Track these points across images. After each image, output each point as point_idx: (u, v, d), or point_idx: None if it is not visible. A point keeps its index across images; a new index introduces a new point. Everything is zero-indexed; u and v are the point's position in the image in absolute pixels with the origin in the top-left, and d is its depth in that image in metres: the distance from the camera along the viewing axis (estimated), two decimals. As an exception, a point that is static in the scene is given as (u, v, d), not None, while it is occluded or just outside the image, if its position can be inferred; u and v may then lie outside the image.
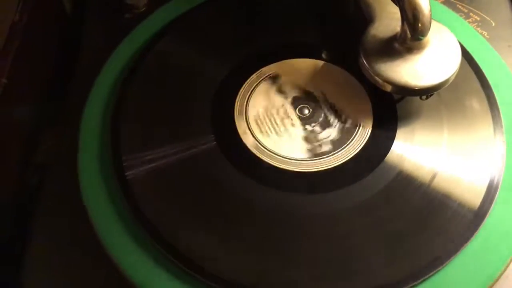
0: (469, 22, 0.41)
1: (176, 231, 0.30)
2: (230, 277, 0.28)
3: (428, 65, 0.32)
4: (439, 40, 0.33)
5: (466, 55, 0.36)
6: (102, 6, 0.42)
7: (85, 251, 0.31)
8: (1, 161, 0.35)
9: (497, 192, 0.31)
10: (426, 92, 0.32)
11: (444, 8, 0.41)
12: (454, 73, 0.32)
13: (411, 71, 0.32)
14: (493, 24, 0.41)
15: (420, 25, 0.31)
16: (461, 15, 0.41)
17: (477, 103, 0.34)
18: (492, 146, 0.33)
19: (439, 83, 0.32)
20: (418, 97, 0.33)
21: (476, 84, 0.35)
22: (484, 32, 0.41)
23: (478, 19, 0.42)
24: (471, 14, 0.42)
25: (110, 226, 0.31)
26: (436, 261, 0.28)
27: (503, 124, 0.34)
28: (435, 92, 0.32)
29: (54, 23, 0.44)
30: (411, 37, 0.31)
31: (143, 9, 0.40)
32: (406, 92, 0.32)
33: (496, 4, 0.42)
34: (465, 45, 0.36)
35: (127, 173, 0.32)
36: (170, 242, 0.29)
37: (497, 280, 0.29)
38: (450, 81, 0.32)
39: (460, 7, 0.42)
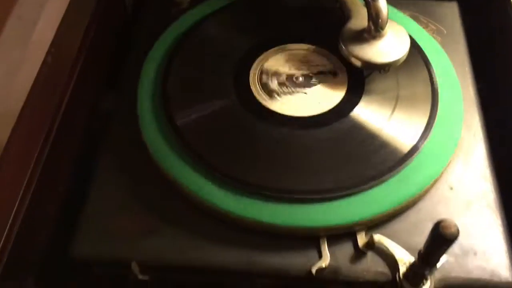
0: (428, 31, 0.55)
1: (215, 153, 0.43)
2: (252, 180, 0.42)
3: (386, 48, 0.46)
4: (394, 33, 0.47)
5: (417, 47, 0.50)
6: (156, 4, 0.56)
7: (145, 178, 0.45)
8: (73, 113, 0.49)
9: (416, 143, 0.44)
10: (384, 67, 0.46)
11: (409, 19, 0.55)
12: (404, 55, 0.46)
13: (374, 52, 0.46)
14: (445, 32, 0.55)
15: (380, 21, 0.45)
16: (421, 25, 0.55)
17: (421, 80, 0.48)
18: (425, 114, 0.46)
19: (393, 60, 0.45)
20: (379, 72, 0.47)
21: (423, 66, 0.49)
22: (438, 37, 0.55)
23: (434, 28, 0.56)
24: (429, 24, 0.56)
25: (166, 153, 0.44)
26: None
27: (439, 97, 0.47)
28: (391, 68, 0.46)
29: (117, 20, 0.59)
30: (374, 29, 0.45)
31: (186, 5, 0.54)
32: (371, 66, 0.46)
33: (449, 17, 0.57)
34: (418, 42, 0.50)
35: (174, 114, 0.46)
36: (211, 160, 0.43)
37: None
38: (401, 60, 0.46)
39: (421, 19, 0.57)
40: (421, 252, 0.36)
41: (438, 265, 0.37)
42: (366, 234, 0.41)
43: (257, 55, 0.50)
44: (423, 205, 0.43)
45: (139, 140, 0.46)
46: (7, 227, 0.38)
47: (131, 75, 0.50)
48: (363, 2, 0.47)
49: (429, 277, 0.38)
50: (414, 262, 0.37)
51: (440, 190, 0.44)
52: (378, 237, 0.40)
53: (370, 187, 0.42)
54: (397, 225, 0.42)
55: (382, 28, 0.45)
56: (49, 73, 0.47)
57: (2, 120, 0.42)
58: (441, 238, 0.33)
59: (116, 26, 0.60)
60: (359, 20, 0.48)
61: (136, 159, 0.45)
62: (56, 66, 0.48)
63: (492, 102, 0.52)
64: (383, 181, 0.42)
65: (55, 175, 0.45)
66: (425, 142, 0.44)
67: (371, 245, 0.41)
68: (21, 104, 0.43)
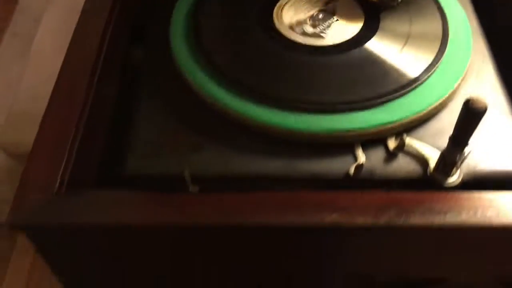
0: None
1: (251, 75, 0.47)
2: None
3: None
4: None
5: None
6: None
7: (184, 104, 0.48)
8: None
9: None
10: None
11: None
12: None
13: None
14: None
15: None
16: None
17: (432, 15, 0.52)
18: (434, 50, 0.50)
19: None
20: (393, 2, 0.52)
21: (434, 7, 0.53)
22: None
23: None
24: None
25: (195, 70, 0.48)
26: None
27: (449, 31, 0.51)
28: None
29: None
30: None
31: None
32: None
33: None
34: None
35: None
36: (250, 82, 0.46)
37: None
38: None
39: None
40: (452, 134, 0.40)
41: (467, 150, 0.40)
42: (395, 139, 0.45)
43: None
44: (444, 115, 0.47)
45: (176, 72, 0.49)
46: (69, 143, 0.41)
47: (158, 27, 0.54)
48: None
49: (459, 164, 0.41)
50: (445, 148, 0.41)
51: (458, 103, 0.48)
52: (407, 139, 0.44)
53: (396, 97, 0.45)
54: (422, 131, 0.46)
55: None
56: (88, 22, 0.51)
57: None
58: (471, 112, 0.37)
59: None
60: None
61: (175, 88, 0.49)
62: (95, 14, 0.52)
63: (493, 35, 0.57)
64: (407, 92, 0.46)
65: (103, 106, 0.48)
66: (442, 59, 0.48)
67: (401, 147, 0.44)
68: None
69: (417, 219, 0.36)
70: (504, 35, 0.55)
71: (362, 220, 0.35)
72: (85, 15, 0.52)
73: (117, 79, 0.52)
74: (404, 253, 0.40)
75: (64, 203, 0.37)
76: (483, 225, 0.36)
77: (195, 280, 0.45)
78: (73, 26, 0.54)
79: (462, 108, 0.38)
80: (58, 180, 0.38)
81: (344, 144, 0.45)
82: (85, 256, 0.41)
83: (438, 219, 0.36)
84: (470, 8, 0.57)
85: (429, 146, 0.44)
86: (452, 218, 0.36)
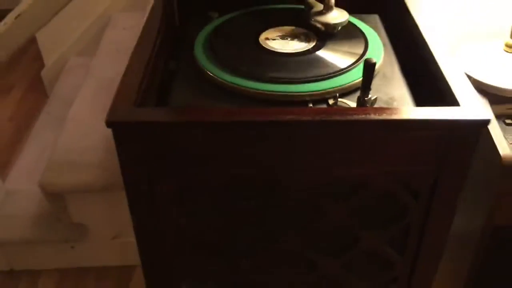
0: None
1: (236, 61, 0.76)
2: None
3: (334, 17, 0.82)
4: (338, 12, 0.84)
5: (355, 24, 0.87)
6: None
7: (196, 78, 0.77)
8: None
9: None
10: (334, 27, 0.82)
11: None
12: (345, 21, 0.82)
13: (328, 19, 0.82)
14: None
15: (330, 4, 0.82)
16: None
17: (359, 39, 0.84)
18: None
19: (340, 22, 0.82)
20: (333, 30, 0.83)
21: (360, 35, 0.85)
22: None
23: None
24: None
25: (202, 56, 0.77)
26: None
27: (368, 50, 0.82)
28: (338, 27, 0.82)
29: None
30: (326, 8, 0.82)
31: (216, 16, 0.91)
32: (328, 27, 0.82)
33: (372, 19, 0.95)
34: (356, 23, 0.87)
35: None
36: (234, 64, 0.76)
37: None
38: (343, 23, 0.82)
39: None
40: (361, 83, 0.68)
41: (371, 94, 0.68)
42: (334, 99, 0.73)
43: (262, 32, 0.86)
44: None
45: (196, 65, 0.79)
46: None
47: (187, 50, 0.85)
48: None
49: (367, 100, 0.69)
50: (360, 93, 0.69)
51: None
52: (339, 99, 0.72)
53: (333, 77, 0.75)
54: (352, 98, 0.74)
55: (331, 6, 0.82)
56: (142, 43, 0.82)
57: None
58: (368, 65, 0.66)
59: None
60: (317, 7, 0.85)
61: (193, 74, 0.79)
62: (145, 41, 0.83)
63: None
64: (340, 74, 0.75)
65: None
66: (362, 60, 0.78)
67: (335, 103, 0.72)
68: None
69: (340, 116, 0.63)
70: (406, 48, 0.86)
71: (305, 117, 0.63)
72: (140, 40, 0.83)
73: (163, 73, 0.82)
74: (338, 151, 0.66)
75: (137, 111, 0.65)
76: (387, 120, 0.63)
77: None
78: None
79: (363, 65, 0.67)
80: (133, 100, 0.66)
81: (302, 102, 0.73)
82: (147, 150, 0.66)
83: (357, 117, 0.63)
84: (383, 32, 0.88)
85: (354, 103, 0.72)
86: (362, 117, 0.63)
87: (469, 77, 1.00)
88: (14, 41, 1.19)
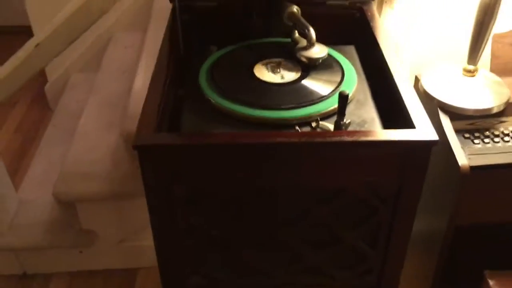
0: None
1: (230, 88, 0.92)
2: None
3: (316, 52, 0.98)
4: (319, 47, 1.00)
5: (334, 57, 1.03)
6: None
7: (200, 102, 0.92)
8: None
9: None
10: (316, 61, 0.98)
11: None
12: (325, 55, 0.98)
13: (311, 54, 0.98)
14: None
15: (312, 41, 0.98)
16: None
17: (337, 70, 1.00)
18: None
19: (321, 57, 0.98)
20: (315, 63, 0.98)
21: (338, 66, 1.01)
22: (345, 60, 1.09)
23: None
24: (340, 55, 1.10)
25: (206, 86, 0.93)
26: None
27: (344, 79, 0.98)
28: (320, 61, 0.98)
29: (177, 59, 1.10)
30: (309, 44, 0.98)
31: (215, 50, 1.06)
32: (310, 60, 0.98)
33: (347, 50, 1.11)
34: (334, 56, 1.03)
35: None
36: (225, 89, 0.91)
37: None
38: (324, 57, 0.98)
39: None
40: (337, 110, 0.84)
41: (346, 118, 0.84)
42: (316, 122, 0.89)
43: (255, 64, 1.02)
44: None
45: (200, 93, 0.95)
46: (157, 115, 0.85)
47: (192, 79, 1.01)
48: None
49: (342, 124, 0.85)
50: (336, 118, 0.85)
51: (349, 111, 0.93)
52: (320, 122, 0.88)
53: (315, 103, 0.90)
54: (328, 120, 0.90)
55: (314, 44, 0.98)
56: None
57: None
58: (341, 96, 0.82)
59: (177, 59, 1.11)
60: (302, 43, 1.01)
61: (199, 100, 0.94)
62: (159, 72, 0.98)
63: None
64: (320, 101, 0.91)
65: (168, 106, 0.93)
66: (339, 88, 0.94)
67: (317, 126, 0.88)
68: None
69: (320, 138, 0.79)
70: (376, 75, 1.02)
71: (292, 139, 0.79)
72: (155, 71, 0.97)
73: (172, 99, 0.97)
74: (319, 165, 0.82)
75: (152, 138, 0.80)
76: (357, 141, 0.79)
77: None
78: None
79: (338, 96, 0.83)
80: (153, 127, 0.81)
81: (290, 125, 0.88)
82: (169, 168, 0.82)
83: (332, 139, 0.79)
84: (358, 61, 1.05)
85: (330, 124, 0.88)
86: (336, 139, 0.79)
87: (433, 98, 1.17)
88: (32, 68, 1.34)
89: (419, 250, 1.16)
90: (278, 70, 0.99)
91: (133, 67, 2.00)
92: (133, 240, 1.69)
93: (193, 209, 0.87)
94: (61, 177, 1.58)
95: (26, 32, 2.00)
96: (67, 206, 1.59)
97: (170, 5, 1.13)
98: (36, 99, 2.53)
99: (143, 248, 1.68)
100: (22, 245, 1.64)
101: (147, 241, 1.68)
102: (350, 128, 0.86)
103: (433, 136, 0.79)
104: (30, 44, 1.30)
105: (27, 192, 1.80)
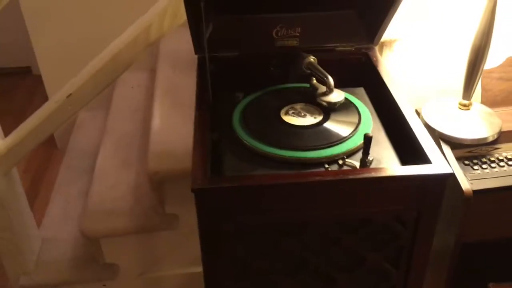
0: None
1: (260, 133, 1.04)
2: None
3: (335, 97, 1.11)
4: (337, 92, 1.13)
5: (351, 101, 1.16)
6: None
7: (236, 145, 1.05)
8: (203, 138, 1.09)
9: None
10: (335, 104, 1.11)
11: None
12: (342, 99, 1.11)
13: (331, 99, 1.11)
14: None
15: (331, 87, 1.12)
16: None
17: (353, 111, 1.13)
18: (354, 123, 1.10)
19: (339, 101, 1.11)
20: (335, 106, 1.12)
21: (354, 108, 1.14)
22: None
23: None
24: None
25: (241, 131, 1.05)
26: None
27: (361, 119, 1.11)
28: (338, 105, 1.12)
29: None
30: (328, 89, 1.12)
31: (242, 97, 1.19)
32: (330, 104, 1.11)
33: (358, 92, 1.25)
34: (351, 99, 1.17)
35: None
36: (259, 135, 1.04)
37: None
38: (341, 102, 1.11)
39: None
40: (362, 150, 0.97)
41: (370, 156, 0.97)
42: (341, 160, 1.01)
43: (281, 108, 1.14)
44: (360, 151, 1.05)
45: (235, 136, 1.07)
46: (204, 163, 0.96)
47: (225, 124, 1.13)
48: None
49: (367, 162, 0.98)
50: (361, 157, 0.98)
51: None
52: (347, 160, 1.01)
53: (339, 143, 1.03)
54: (353, 157, 1.03)
55: (332, 90, 1.12)
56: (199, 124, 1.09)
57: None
58: (366, 138, 0.95)
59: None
60: (321, 89, 1.14)
61: (235, 143, 1.06)
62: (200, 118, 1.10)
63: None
64: (343, 141, 1.04)
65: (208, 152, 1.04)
66: (357, 130, 1.07)
67: (343, 163, 1.00)
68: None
69: (352, 175, 0.91)
70: (387, 114, 1.15)
71: (328, 178, 0.91)
72: (196, 121, 1.09)
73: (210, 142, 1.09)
74: (350, 198, 0.95)
75: (207, 181, 0.92)
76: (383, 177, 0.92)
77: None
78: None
79: (364, 138, 0.96)
80: (205, 170, 0.93)
81: (319, 163, 1.01)
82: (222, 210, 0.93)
83: (363, 175, 0.92)
84: (369, 102, 1.18)
85: (355, 161, 1.00)
86: (366, 175, 0.92)
87: (434, 129, 1.32)
88: (63, 118, 1.45)
89: (429, 266, 1.29)
90: (302, 114, 1.12)
91: (143, 106, 2.12)
92: (153, 271, 1.78)
93: (238, 243, 0.99)
94: (87, 214, 1.67)
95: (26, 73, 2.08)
96: (92, 241, 1.68)
97: (193, 56, 1.25)
98: (43, 138, 2.61)
99: (162, 278, 1.77)
100: (49, 282, 1.72)
101: (166, 271, 1.79)
102: (372, 165, 0.99)
103: (447, 169, 0.92)
104: (62, 95, 1.41)
105: (48, 230, 1.88)
